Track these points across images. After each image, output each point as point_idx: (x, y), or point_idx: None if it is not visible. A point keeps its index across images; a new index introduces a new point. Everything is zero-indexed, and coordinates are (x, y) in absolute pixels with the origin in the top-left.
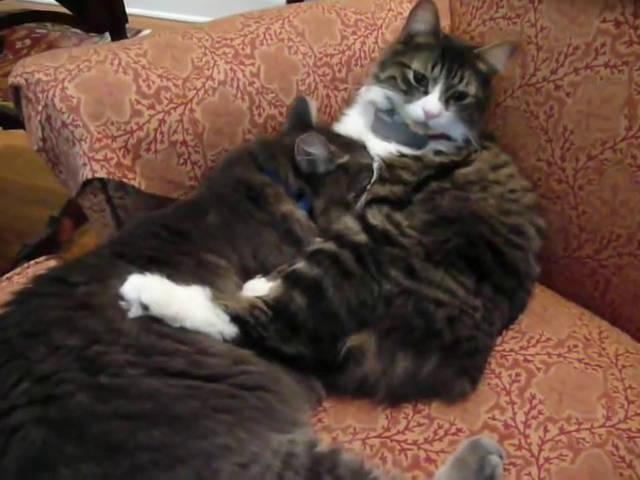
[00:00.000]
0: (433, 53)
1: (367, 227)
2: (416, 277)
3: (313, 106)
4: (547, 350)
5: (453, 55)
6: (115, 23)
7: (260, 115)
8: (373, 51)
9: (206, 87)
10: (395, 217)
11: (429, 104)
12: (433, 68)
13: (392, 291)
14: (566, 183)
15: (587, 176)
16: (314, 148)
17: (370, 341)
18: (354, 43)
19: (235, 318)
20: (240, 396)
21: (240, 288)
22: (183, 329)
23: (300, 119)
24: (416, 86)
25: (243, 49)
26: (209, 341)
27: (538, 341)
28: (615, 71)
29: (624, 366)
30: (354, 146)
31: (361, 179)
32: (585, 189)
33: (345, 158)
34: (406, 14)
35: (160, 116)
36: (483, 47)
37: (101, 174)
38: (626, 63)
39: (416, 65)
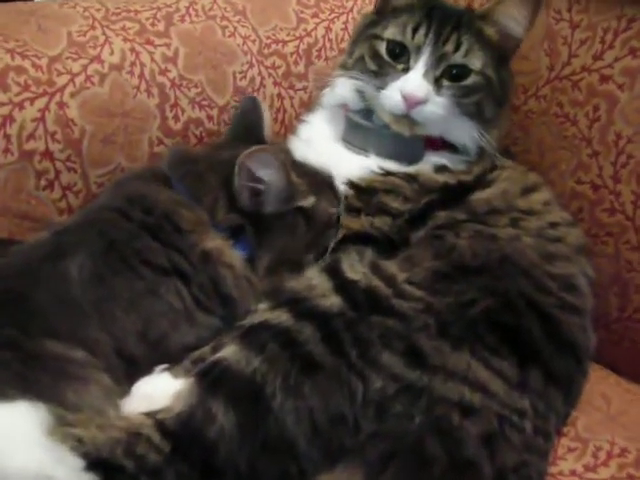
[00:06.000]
0: (414, 14)
1: (342, 284)
2: (425, 366)
3: (266, 112)
4: (627, 471)
5: (443, 15)
6: None
7: (177, 118)
8: (342, 40)
9: (89, 72)
10: (386, 267)
11: (410, 84)
12: (414, 33)
13: (387, 391)
14: (622, 214)
15: None
16: (266, 172)
17: None
18: (315, 28)
19: (96, 462)
20: None
21: (116, 396)
22: None
23: (246, 129)
24: (390, 62)
25: (154, 24)
26: None
27: (610, 455)
28: None
29: None
30: (323, 185)
31: (327, 236)
32: None
33: (310, 200)
34: None
35: (5, 110)
36: (488, 3)
37: None
38: None
39: (390, 33)
